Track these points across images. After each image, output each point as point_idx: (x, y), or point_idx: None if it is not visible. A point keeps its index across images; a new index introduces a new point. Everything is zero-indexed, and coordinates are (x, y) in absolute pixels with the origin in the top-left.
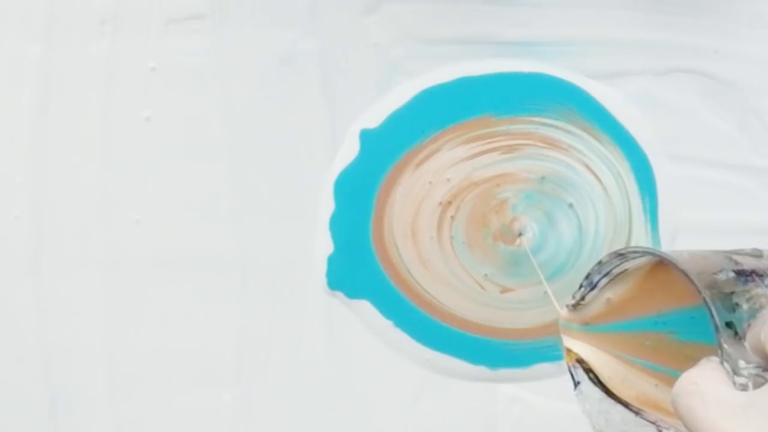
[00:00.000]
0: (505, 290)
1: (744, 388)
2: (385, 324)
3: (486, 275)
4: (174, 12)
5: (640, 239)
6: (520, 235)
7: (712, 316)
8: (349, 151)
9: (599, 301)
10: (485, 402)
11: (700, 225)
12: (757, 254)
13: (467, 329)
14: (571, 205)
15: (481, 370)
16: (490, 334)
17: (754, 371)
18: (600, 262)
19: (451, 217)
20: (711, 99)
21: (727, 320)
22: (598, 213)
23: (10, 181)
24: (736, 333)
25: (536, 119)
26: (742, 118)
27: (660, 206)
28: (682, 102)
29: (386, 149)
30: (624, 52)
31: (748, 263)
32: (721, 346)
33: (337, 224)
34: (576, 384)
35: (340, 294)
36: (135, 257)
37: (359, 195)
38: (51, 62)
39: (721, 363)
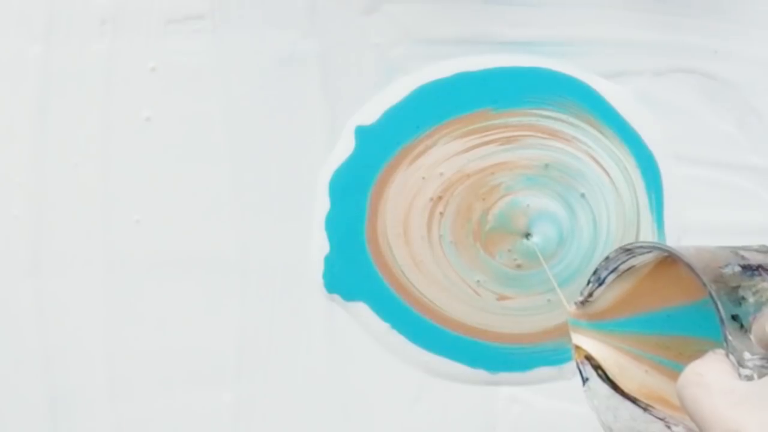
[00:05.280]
0: (502, 298)
1: (749, 379)
2: (383, 327)
3: (479, 281)
4: (174, 12)
5: (648, 237)
6: (527, 236)
7: (717, 308)
8: (344, 148)
9: (607, 297)
10: (485, 402)
11: (701, 225)
12: (765, 250)
13: (465, 333)
14: (583, 195)
15: (480, 373)
16: (488, 338)
17: (759, 362)
18: (607, 258)
19: (440, 213)
20: (711, 99)
21: (733, 313)
22: (608, 207)
23: (10, 181)
24: (741, 326)
25: (537, 111)
26: (742, 118)
27: (666, 204)
28: (682, 102)
29: (381, 146)
30: (624, 52)
31: (755, 258)
32: (726, 339)
33: (332, 223)
34: (584, 380)
35: (337, 297)
36: (135, 257)
37: (354, 193)
38: (51, 62)
39: (727, 355)
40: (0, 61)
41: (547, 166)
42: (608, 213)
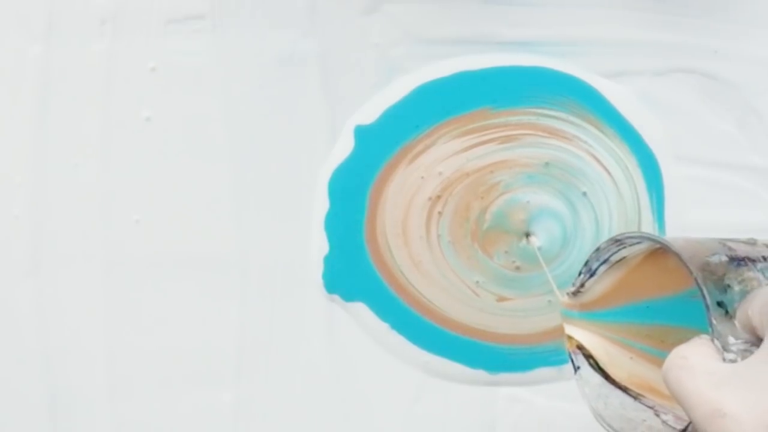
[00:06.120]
0: (501, 299)
1: (733, 362)
2: (382, 327)
3: (478, 282)
4: (174, 12)
5: None
6: (527, 235)
7: (703, 294)
8: (343, 147)
9: (598, 288)
10: (485, 402)
11: (701, 224)
12: (752, 242)
13: (465, 333)
14: (585, 194)
15: (480, 373)
16: (488, 338)
17: (742, 347)
18: (598, 249)
19: (439, 212)
20: (711, 99)
21: (719, 300)
22: (610, 206)
23: (10, 181)
24: (726, 312)
25: (537, 110)
26: (742, 118)
27: (666, 204)
28: (682, 102)
29: (380, 145)
30: (624, 52)
31: (742, 249)
32: (711, 323)
33: (331, 223)
34: (576, 369)
35: (337, 297)
36: (135, 257)
37: (353, 193)
38: (51, 62)
39: (712, 340)
40: (0, 61)
41: (547, 164)
42: (610, 212)
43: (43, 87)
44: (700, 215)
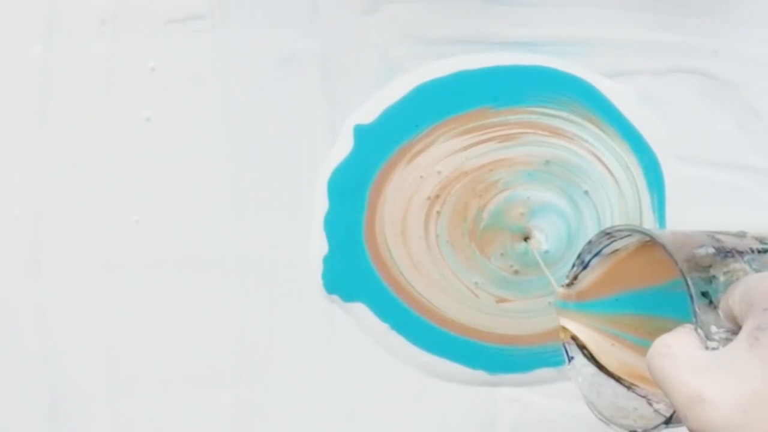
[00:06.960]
0: (501, 300)
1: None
2: (382, 327)
3: (477, 283)
4: (174, 12)
5: None
6: (526, 239)
7: (687, 284)
8: (343, 147)
9: (591, 280)
10: (485, 402)
11: (701, 224)
12: (741, 235)
13: (464, 334)
14: (586, 192)
15: (480, 374)
16: (488, 339)
17: (724, 335)
18: (590, 242)
19: (437, 212)
20: (711, 99)
21: (703, 290)
22: (612, 206)
23: (10, 181)
24: (710, 302)
25: (537, 109)
26: (742, 118)
27: (667, 203)
28: (682, 102)
29: (380, 144)
30: (624, 52)
31: (730, 242)
32: (695, 313)
33: (331, 223)
34: (570, 359)
35: (336, 297)
36: (134, 257)
37: (352, 193)
38: (51, 62)
39: (695, 329)
40: (0, 61)
41: (547, 162)
42: (612, 212)
43: (43, 87)
44: (701, 215)
